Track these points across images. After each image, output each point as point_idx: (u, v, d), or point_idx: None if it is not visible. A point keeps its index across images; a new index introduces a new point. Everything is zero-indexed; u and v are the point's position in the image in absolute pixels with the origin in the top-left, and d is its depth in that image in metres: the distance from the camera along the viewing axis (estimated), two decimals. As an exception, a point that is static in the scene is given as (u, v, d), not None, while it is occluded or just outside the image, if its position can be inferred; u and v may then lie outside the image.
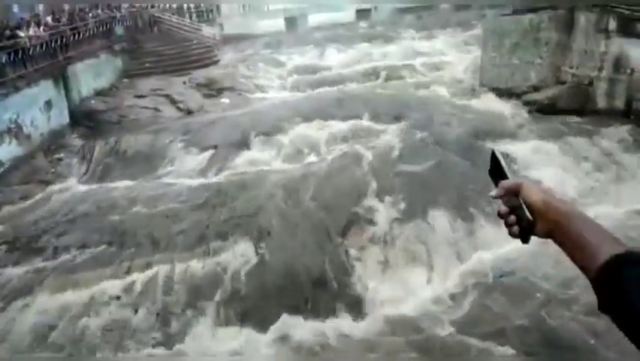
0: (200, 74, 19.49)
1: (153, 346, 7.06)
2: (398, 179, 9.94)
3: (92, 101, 16.62)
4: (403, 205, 9.05)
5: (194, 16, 27.60)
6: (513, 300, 7.17)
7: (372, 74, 18.58)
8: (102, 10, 22.66)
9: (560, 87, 13.61)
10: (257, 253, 8.16)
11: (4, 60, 13.80)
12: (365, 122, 12.85)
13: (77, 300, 7.69)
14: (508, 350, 6.38)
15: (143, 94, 17.31)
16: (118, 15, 22.82)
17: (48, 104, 14.63)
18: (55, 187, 12.00)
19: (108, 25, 21.13)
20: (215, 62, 22.24)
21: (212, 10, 29.97)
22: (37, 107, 14.15)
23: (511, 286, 7.42)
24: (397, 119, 12.81)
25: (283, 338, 6.91)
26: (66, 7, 24.10)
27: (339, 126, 12.74)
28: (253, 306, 7.44)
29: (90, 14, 20.96)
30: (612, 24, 12.23)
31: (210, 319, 7.40)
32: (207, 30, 25.34)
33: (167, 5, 27.40)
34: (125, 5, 25.60)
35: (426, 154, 10.99)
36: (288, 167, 11.30)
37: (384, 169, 10.41)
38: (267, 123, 13.31)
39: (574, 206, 1.10)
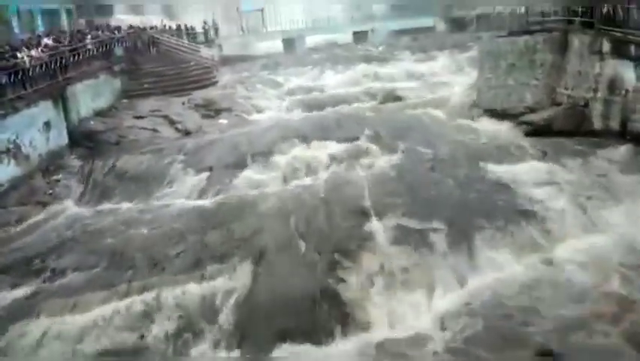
0: (199, 95, 19.64)
1: (150, 370, 6.97)
2: (395, 200, 9.95)
3: (91, 122, 16.69)
4: (400, 227, 9.03)
5: (192, 37, 27.86)
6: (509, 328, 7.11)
7: (370, 95, 18.77)
8: (102, 31, 22.91)
9: (556, 108, 13.73)
10: (254, 277, 8.12)
11: (3, 81, 13.90)
12: (362, 143, 12.92)
13: (74, 323, 7.60)
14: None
15: (142, 115, 17.40)
16: (117, 36, 23.07)
17: (47, 124, 14.67)
18: (53, 209, 11.98)
19: (107, 47, 21.35)
20: (214, 83, 22.45)
21: (209, 31, 30.28)
22: (36, 128, 14.18)
23: (508, 314, 7.36)
24: (395, 140, 12.88)
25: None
26: (66, 28, 24.41)
27: (336, 147, 12.82)
28: (250, 331, 7.36)
29: (90, 35, 21.15)
30: (606, 46, 12.40)
31: (208, 343, 7.32)
32: (206, 51, 25.64)
33: (166, 26, 27.72)
34: (124, 26, 25.93)
35: (423, 175, 11.04)
36: (285, 188, 11.31)
37: (382, 190, 10.43)
38: (264, 144, 13.37)
39: None
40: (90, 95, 17.73)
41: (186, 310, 7.62)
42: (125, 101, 19.45)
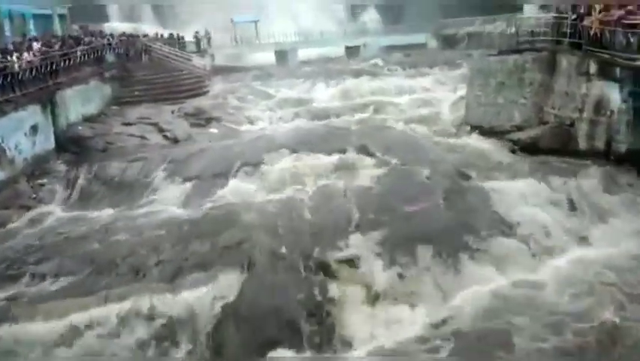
0: (190, 104, 19.62)
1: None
2: (382, 214, 9.94)
3: (79, 128, 16.58)
4: (386, 241, 9.01)
5: (184, 46, 27.87)
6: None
7: (360, 108, 18.85)
8: (95, 37, 22.87)
9: (543, 127, 13.88)
10: (236, 287, 8.03)
11: (-8, 83, 13.78)
12: (351, 156, 12.93)
13: (50, 330, 7.46)
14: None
15: (131, 122, 17.32)
16: (112, 42, 23.02)
17: (34, 128, 14.55)
18: (36, 213, 11.83)
19: (99, 53, 21.29)
20: (205, 93, 22.43)
21: (201, 41, 30.33)
22: (23, 132, 14.06)
23: (489, 332, 7.34)
24: (383, 154, 12.89)
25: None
26: (59, 33, 24.34)
27: (325, 159, 12.81)
28: (230, 341, 7.28)
29: (82, 41, 21.09)
30: (593, 67, 12.58)
31: (187, 353, 7.22)
32: (198, 60, 25.66)
33: (159, 35, 27.74)
34: (117, 33, 25.90)
35: (411, 190, 11.04)
36: (271, 199, 11.25)
37: (369, 204, 10.42)
38: (253, 154, 13.33)
39: None
40: (80, 101, 17.64)
41: (165, 319, 7.51)
42: (114, 107, 19.36)
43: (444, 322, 7.61)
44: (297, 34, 36.11)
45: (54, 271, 8.86)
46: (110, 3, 38.04)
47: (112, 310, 7.64)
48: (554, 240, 9.34)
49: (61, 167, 14.37)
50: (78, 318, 7.59)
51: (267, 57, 33.73)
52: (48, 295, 8.25)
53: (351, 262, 8.72)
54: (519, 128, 14.30)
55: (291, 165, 12.70)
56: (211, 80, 24.83)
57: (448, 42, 34.51)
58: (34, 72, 15.62)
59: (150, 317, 7.56)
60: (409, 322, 7.75)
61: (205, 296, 7.84)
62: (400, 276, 8.42)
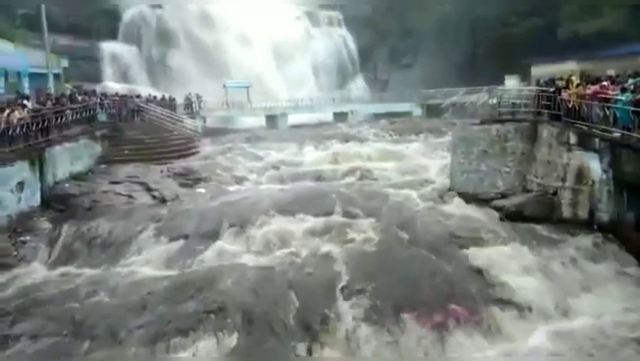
0: (179, 164, 19.76)
1: None
2: (369, 279, 9.88)
3: (67, 185, 16.52)
4: (372, 307, 8.91)
5: (175, 107, 28.42)
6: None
7: (347, 172, 19.13)
8: (88, 97, 23.25)
9: (527, 195, 14.17)
10: (218, 353, 7.79)
11: (-18, 139, 13.82)
12: (338, 219, 13.00)
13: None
14: None
15: (119, 180, 17.31)
16: (104, 102, 23.41)
17: (20, 185, 14.47)
18: (16, 271, 11.52)
19: (92, 112, 21.59)
20: (195, 153, 22.66)
21: (193, 103, 31.02)
22: (9, 188, 13.97)
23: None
24: (369, 218, 13.01)
25: None
26: (52, 90, 24.71)
27: (312, 221, 12.85)
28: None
29: (76, 100, 21.40)
30: (572, 138, 13.05)
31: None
32: (189, 122, 26.14)
33: (152, 96, 28.32)
34: (111, 93, 26.41)
35: (395, 255, 11.05)
36: (258, 261, 11.17)
37: (356, 268, 10.37)
38: (240, 215, 13.33)
39: None
40: (69, 158, 17.68)
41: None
42: (103, 166, 19.39)
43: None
44: (288, 100, 37.21)
45: (31, 333, 8.53)
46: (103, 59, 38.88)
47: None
48: (538, 309, 9.30)
49: (45, 224, 14.15)
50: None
51: (258, 121, 34.53)
52: (23, 359, 7.91)
53: (337, 328, 8.56)
54: (503, 196, 14.59)
55: (278, 227, 12.69)
56: (201, 141, 25.19)
57: (433, 111, 35.73)
58: (25, 128, 15.74)
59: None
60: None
61: (187, 362, 7.59)
62: (387, 344, 8.27)
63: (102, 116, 22.52)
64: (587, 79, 14.75)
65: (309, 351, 8.02)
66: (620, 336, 8.41)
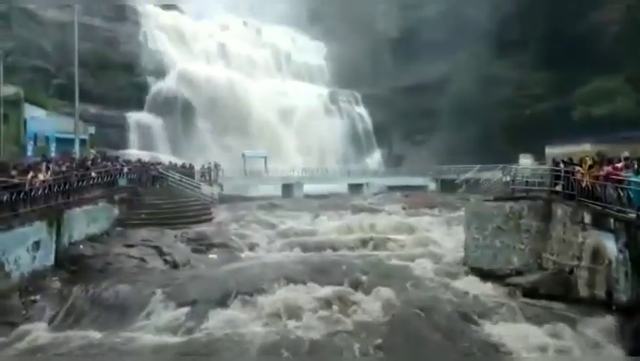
0: (193, 230, 19.95)
1: None
2: (379, 354, 9.59)
3: (81, 246, 16.70)
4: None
5: (193, 175, 29.10)
6: None
7: (360, 243, 19.06)
8: (111, 162, 24.02)
9: (543, 273, 13.92)
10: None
11: (4, 198, 14.18)
12: (348, 290, 12.83)
13: None
14: None
15: (133, 243, 17.47)
16: (124, 168, 24.10)
17: (36, 244, 14.66)
18: (21, 331, 11.41)
19: (113, 177, 22.20)
20: (210, 220, 22.91)
21: (212, 171, 31.73)
22: (25, 247, 14.14)
23: None
24: (381, 290, 12.78)
25: None
26: (77, 155, 25.62)
27: (322, 292, 12.67)
28: None
29: (98, 165, 22.11)
30: (587, 217, 12.96)
31: None
32: (206, 189, 26.67)
33: (173, 163, 29.13)
34: (133, 160, 27.27)
35: (409, 330, 10.77)
36: (266, 331, 10.94)
37: (365, 342, 10.10)
38: (250, 283, 13.23)
39: None
40: (86, 221, 18.00)
41: None
42: (119, 229, 19.65)
43: None
44: (304, 170, 37.93)
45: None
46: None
47: None
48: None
49: (56, 284, 14.18)
50: None
51: (274, 190, 35.03)
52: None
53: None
54: (518, 273, 14.34)
55: (287, 296, 12.53)
56: (217, 208, 25.53)
57: (447, 186, 36.01)
58: (46, 190, 16.19)
59: None
60: None
61: None
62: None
63: (123, 181, 23.12)
64: (601, 160, 14.86)
65: None
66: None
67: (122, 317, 12.14)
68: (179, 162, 31.38)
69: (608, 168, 13.40)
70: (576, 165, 14.70)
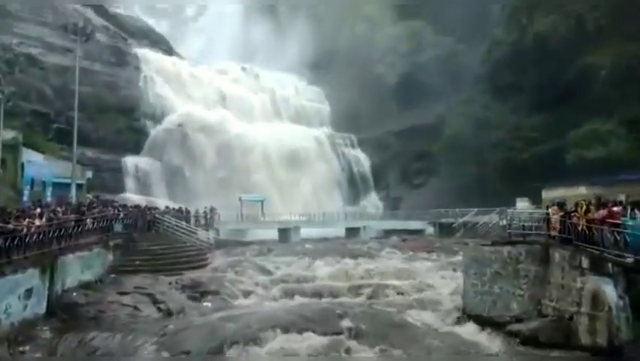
0: (188, 276, 19.67)
1: None
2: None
3: (74, 294, 16.42)
4: None
5: (189, 219, 28.95)
6: None
7: (358, 290, 18.78)
8: (106, 207, 23.94)
9: (543, 320, 13.65)
10: None
11: (-1, 245, 14.04)
12: (344, 339, 12.56)
13: None
14: None
15: (127, 291, 17.20)
16: (121, 213, 24.00)
17: (29, 292, 14.41)
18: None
19: (108, 222, 22.07)
20: (205, 265, 22.62)
21: (208, 215, 31.65)
22: (16, 295, 13.90)
23: None
24: (378, 339, 12.53)
25: None
26: (74, 199, 25.59)
27: (317, 340, 12.41)
28: None
29: (94, 210, 22.03)
30: (585, 262, 12.85)
31: None
32: (202, 234, 26.47)
33: (168, 208, 29.05)
34: (130, 204, 27.20)
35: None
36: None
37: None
38: (245, 332, 12.94)
39: None
40: (80, 267, 17.77)
41: None
42: (113, 275, 19.35)
43: None
44: (300, 214, 37.85)
45: None
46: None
47: None
48: None
49: (46, 334, 13.86)
50: None
51: (270, 234, 34.82)
52: None
53: None
54: (518, 320, 14.07)
55: (282, 346, 12.26)
56: (213, 253, 25.28)
57: (445, 230, 35.87)
58: (41, 236, 16.05)
59: None
60: None
61: None
62: None
63: (118, 227, 22.93)
64: (597, 203, 14.88)
65: None
66: None
67: (113, 368, 11.82)
68: (175, 206, 31.31)
69: (603, 212, 13.42)
70: (571, 211, 14.67)
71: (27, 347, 12.94)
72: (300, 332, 12.91)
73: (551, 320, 13.42)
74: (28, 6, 42.83)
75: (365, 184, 51.46)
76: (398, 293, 18.33)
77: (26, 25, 41.63)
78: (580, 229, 13.69)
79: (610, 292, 11.88)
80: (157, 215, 26.13)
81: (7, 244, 14.31)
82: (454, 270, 20.32)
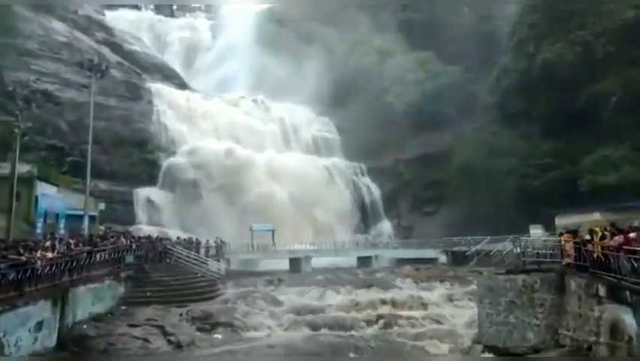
0: (199, 307, 19.54)
1: None
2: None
3: (84, 326, 16.36)
4: None
5: (198, 250, 28.87)
6: None
7: (370, 321, 18.47)
8: (119, 238, 24.02)
9: (561, 351, 13.32)
10: None
11: (11, 277, 14.07)
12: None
13: None
14: None
15: (137, 323, 17.11)
16: (133, 245, 24.05)
17: (39, 325, 14.37)
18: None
19: (120, 253, 22.11)
20: (216, 296, 22.48)
21: (219, 246, 31.57)
22: (27, 328, 13.86)
23: None
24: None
25: None
26: (86, 231, 25.72)
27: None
28: None
29: (106, 242, 22.10)
30: (602, 290, 12.58)
31: None
32: (214, 264, 26.39)
33: (180, 238, 29.07)
34: (141, 235, 27.28)
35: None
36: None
37: None
38: (256, 365, 12.76)
39: None
40: (91, 299, 17.74)
41: None
42: (124, 307, 19.30)
43: None
44: (311, 243, 37.59)
45: None
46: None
47: None
48: None
49: (56, 367, 13.78)
50: None
51: (282, 263, 34.58)
52: None
53: None
54: (535, 350, 13.75)
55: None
56: (224, 283, 25.14)
57: (458, 258, 35.37)
58: (53, 268, 16.09)
59: None
60: None
61: None
62: None
63: (130, 258, 22.97)
64: (612, 229, 14.62)
65: None
66: None
67: (122, 402, 11.65)
68: (186, 237, 31.33)
69: (619, 239, 13.17)
70: (585, 240, 14.40)
71: (37, 381, 12.84)
72: (312, 364, 12.66)
73: (569, 350, 13.08)
74: (46, 44, 44.09)
75: (376, 213, 51.16)
76: (412, 325, 17.97)
77: (44, 62, 42.75)
78: (595, 256, 13.45)
79: (629, 321, 11.57)
80: (168, 246, 26.16)
81: (19, 276, 14.35)
82: (468, 299, 19.92)
